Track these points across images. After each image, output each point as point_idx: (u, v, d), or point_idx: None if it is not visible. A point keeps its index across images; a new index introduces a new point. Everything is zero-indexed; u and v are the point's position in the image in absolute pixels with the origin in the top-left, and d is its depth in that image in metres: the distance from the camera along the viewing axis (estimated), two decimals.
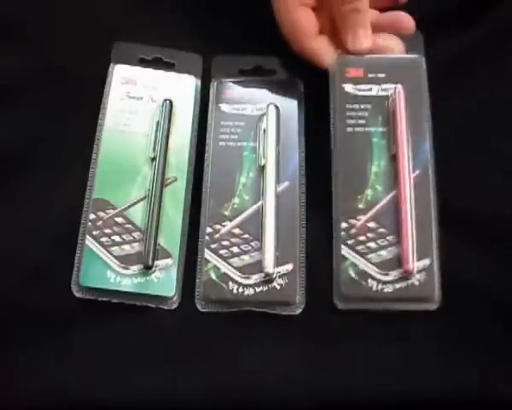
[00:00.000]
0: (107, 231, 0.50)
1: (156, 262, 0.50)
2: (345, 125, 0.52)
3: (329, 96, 0.54)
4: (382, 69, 0.54)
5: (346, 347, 0.48)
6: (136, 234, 0.51)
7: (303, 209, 0.52)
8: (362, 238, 0.49)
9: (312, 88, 0.57)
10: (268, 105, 0.55)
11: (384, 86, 0.53)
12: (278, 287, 0.49)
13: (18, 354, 0.48)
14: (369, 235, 0.50)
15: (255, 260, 0.50)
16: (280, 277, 0.49)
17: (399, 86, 0.53)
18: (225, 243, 0.50)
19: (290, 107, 0.55)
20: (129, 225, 0.51)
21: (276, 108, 0.55)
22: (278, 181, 0.52)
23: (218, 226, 0.51)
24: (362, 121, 0.53)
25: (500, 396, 0.47)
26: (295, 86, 0.57)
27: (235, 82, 0.57)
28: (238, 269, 0.49)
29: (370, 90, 0.53)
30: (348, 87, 0.53)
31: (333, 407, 0.48)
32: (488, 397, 0.47)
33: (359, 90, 0.53)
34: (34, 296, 0.49)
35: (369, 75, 0.54)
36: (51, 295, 0.49)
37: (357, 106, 0.53)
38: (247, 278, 0.49)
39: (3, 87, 0.56)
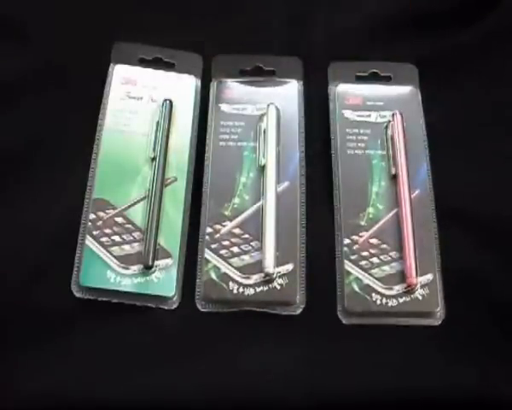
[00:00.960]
0: (107, 231, 0.50)
1: (156, 262, 0.49)
2: (345, 148, 0.54)
3: (329, 121, 0.55)
4: (380, 98, 0.56)
5: (346, 346, 0.48)
6: (136, 234, 0.50)
7: (303, 209, 0.52)
8: (365, 254, 0.50)
9: (312, 88, 0.57)
10: (268, 105, 0.55)
11: (382, 113, 0.55)
12: (278, 287, 0.49)
13: (18, 354, 0.48)
14: (372, 251, 0.50)
15: (255, 260, 0.50)
16: (280, 277, 0.49)
17: (398, 111, 0.55)
18: (225, 242, 0.50)
19: (290, 107, 0.55)
20: (129, 225, 0.51)
21: (276, 108, 0.55)
22: (278, 181, 0.52)
23: (218, 226, 0.51)
24: (362, 145, 0.54)
25: (499, 396, 0.47)
26: (295, 86, 0.57)
27: (235, 82, 0.57)
28: (238, 269, 0.49)
29: (369, 116, 0.55)
30: (348, 113, 0.55)
31: (333, 407, 0.48)
32: (487, 397, 0.47)
33: (359, 116, 0.55)
34: (34, 296, 0.49)
35: (368, 103, 0.55)
36: (51, 295, 0.49)
37: (356, 130, 0.54)
38: (248, 278, 0.49)
39: (3, 87, 0.56)
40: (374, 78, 0.57)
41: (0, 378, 0.47)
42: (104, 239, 0.50)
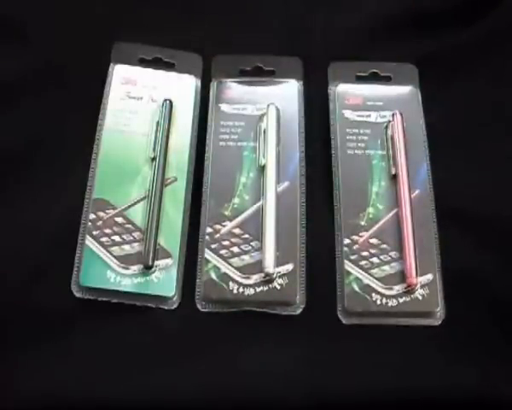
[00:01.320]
0: (107, 231, 0.50)
1: (156, 262, 0.49)
2: (345, 148, 0.54)
3: (329, 121, 0.55)
4: (380, 98, 0.56)
5: (346, 346, 0.48)
6: (136, 234, 0.50)
7: (303, 209, 0.52)
8: (365, 254, 0.50)
9: (312, 88, 0.57)
10: (268, 105, 0.55)
11: (382, 113, 0.55)
12: (278, 287, 0.49)
13: (18, 354, 0.48)
14: (372, 251, 0.50)
15: (255, 260, 0.50)
16: (280, 277, 0.49)
17: (398, 111, 0.55)
18: (225, 242, 0.50)
19: (290, 107, 0.55)
20: (129, 225, 0.51)
21: (276, 108, 0.55)
22: (278, 181, 0.52)
23: (218, 226, 0.51)
24: (362, 145, 0.54)
25: (499, 396, 0.47)
26: (295, 86, 0.57)
27: (235, 82, 0.57)
28: (238, 269, 0.49)
29: (369, 116, 0.55)
30: (348, 113, 0.55)
31: (333, 407, 0.48)
32: (488, 397, 0.47)
33: (359, 116, 0.55)
34: (34, 296, 0.49)
35: (368, 103, 0.55)
36: (51, 295, 0.49)
37: (356, 130, 0.54)
38: (248, 278, 0.49)
39: (3, 87, 0.56)
40: (374, 78, 0.57)
41: (0, 378, 0.47)
42: (104, 239, 0.50)
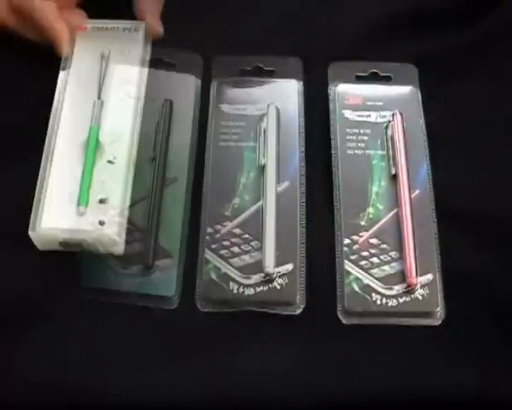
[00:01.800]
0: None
1: (156, 262, 0.50)
2: (345, 148, 0.54)
3: (329, 121, 0.55)
4: (380, 98, 0.56)
5: (345, 346, 0.48)
6: (137, 234, 0.50)
7: (303, 209, 0.52)
8: (365, 254, 0.50)
9: (312, 88, 0.57)
10: (268, 105, 0.55)
11: (382, 113, 0.55)
12: (278, 287, 0.49)
13: (18, 354, 0.48)
14: (372, 251, 0.50)
15: (255, 260, 0.50)
16: (280, 277, 0.49)
17: (398, 111, 0.55)
18: (226, 243, 0.50)
19: (290, 107, 0.56)
20: (129, 225, 0.51)
21: (276, 108, 0.55)
22: (278, 181, 0.52)
23: (218, 226, 0.51)
24: (362, 145, 0.54)
25: (499, 396, 0.47)
26: (295, 86, 0.57)
27: (235, 82, 0.57)
28: (238, 269, 0.49)
29: (369, 116, 0.55)
30: (348, 113, 0.55)
31: (333, 407, 0.48)
32: (487, 397, 0.47)
33: (359, 116, 0.55)
34: (34, 296, 0.49)
35: (368, 103, 0.56)
36: (51, 296, 0.49)
37: (356, 130, 0.54)
38: (248, 277, 0.49)
39: (4, 87, 0.56)
40: (374, 78, 0.57)
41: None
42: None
